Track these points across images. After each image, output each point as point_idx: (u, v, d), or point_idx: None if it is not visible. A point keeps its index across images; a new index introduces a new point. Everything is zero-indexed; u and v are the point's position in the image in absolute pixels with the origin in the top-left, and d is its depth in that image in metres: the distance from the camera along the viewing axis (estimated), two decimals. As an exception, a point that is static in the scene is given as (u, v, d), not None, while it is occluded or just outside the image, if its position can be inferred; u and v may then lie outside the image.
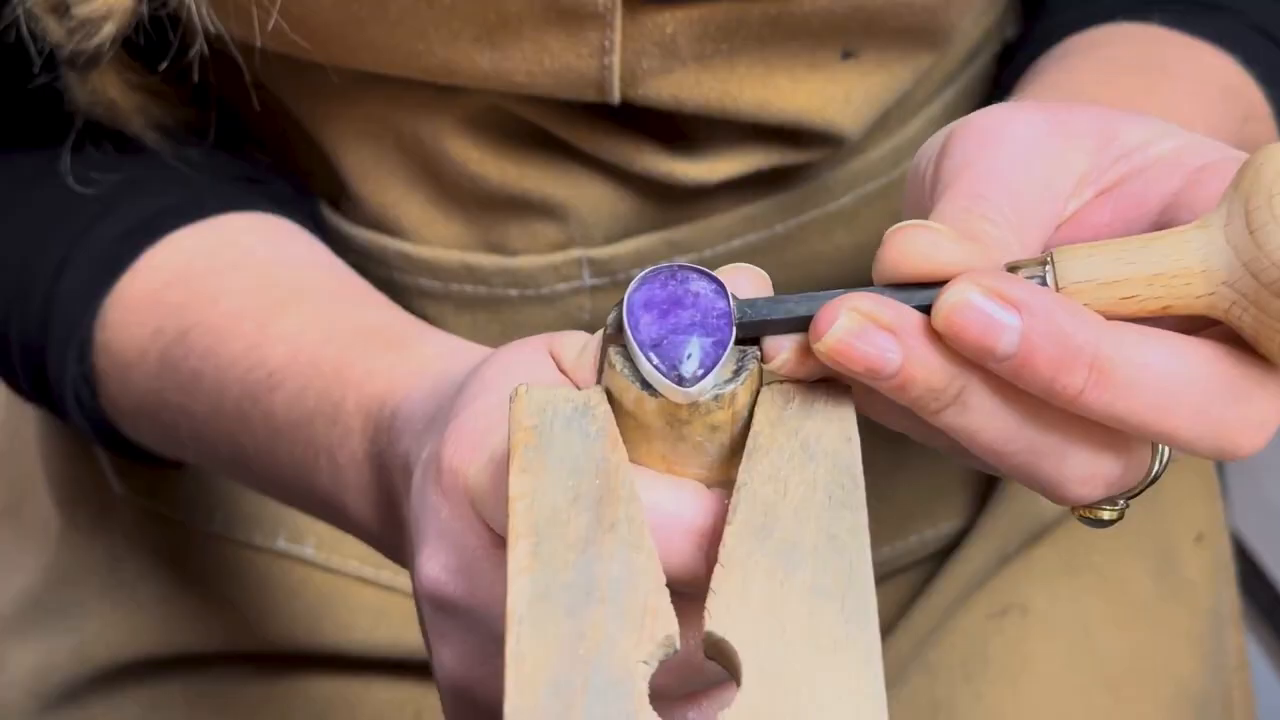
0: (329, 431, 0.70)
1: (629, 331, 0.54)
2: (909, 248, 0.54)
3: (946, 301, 0.52)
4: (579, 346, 0.60)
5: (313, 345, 0.71)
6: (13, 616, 0.93)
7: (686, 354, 0.54)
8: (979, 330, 0.52)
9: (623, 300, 0.55)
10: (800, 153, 0.82)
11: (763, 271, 0.57)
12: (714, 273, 0.56)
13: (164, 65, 0.75)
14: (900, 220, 0.86)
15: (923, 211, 0.59)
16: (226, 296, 0.75)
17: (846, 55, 0.79)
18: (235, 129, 0.85)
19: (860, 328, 0.53)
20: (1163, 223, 0.58)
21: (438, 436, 0.59)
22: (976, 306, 0.52)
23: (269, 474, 0.74)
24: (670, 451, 0.56)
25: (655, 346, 0.54)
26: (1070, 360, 0.52)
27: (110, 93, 0.77)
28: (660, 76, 0.77)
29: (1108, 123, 0.60)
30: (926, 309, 0.53)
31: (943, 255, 0.54)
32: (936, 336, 0.53)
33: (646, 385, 0.54)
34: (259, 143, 0.86)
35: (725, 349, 0.55)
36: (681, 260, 0.83)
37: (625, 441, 0.55)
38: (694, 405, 0.54)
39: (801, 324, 0.54)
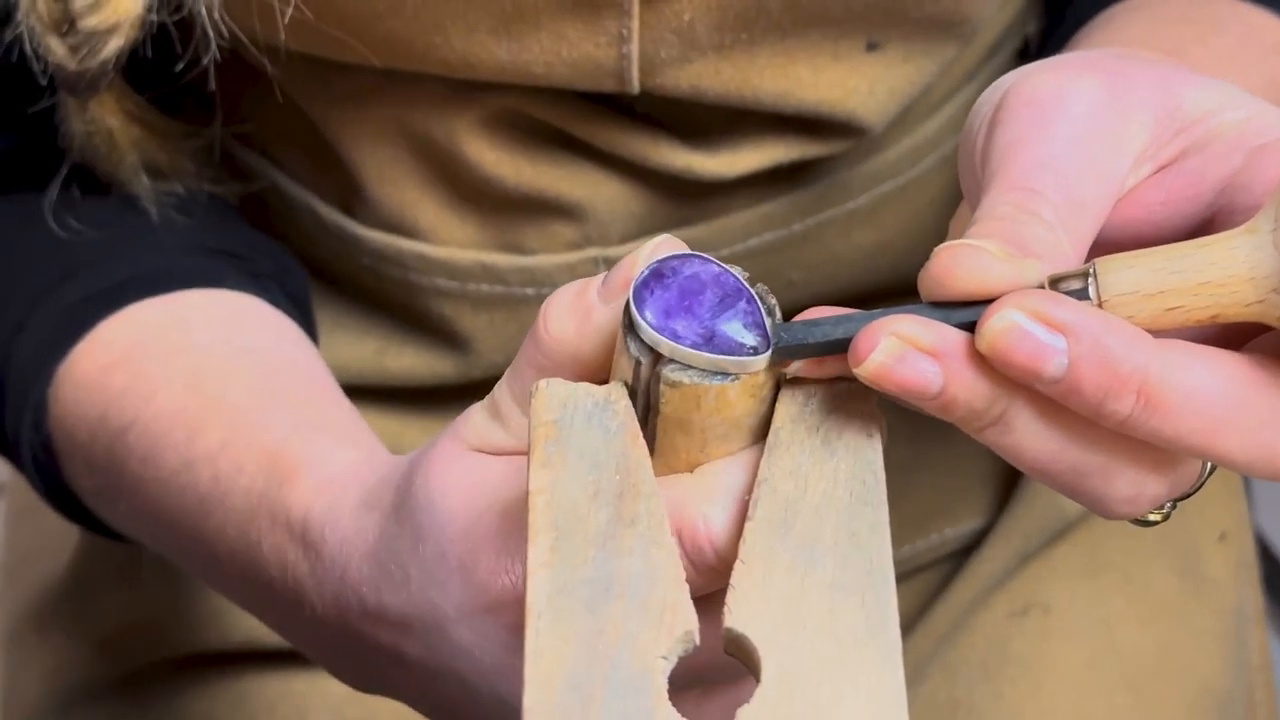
0: (256, 573, 0.69)
1: (676, 343, 0.54)
2: (956, 267, 0.53)
3: (992, 327, 0.52)
4: (485, 417, 0.60)
5: (229, 472, 0.70)
6: (34, 614, 0.93)
7: (739, 326, 0.54)
8: (1026, 356, 0.52)
9: (635, 328, 0.54)
10: (821, 145, 0.81)
11: (672, 236, 0.57)
12: (657, 254, 0.56)
13: (179, 67, 0.74)
14: (921, 215, 0.86)
15: (974, 178, 0.58)
16: (160, 392, 0.73)
17: (872, 47, 0.78)
18: (242, 129, 0.84)
19: (901, 352, 0.52)
20: (1219, 204, 0.57)
21: (457, 589, 0.59)
22: (1023, 331, 0.51)
23: (222, 592, 0.74)
24: (759, 424, 0.56)
25: (710, 340, 0.54)
26: (1119, 386, 0.52)
27: (109, 122, 0.76)
28: (680, 66, 0.77)
29: (1170, 90, 0.58)
30: (968, 326, 0.53)
31: (991, 275, 0.53)
32: (979, 358, 0.52)
33: (723, 376, 0.54)
34: (259, 144, 0.85)
35: (756, 300, 0.55)
36: None
37: (707, 445, 0.55)
38: (770, 365, 0.54)
39: (839, 346, 0.54)
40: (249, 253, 0.81)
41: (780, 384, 0.56)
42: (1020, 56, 0.89)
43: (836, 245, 0.85)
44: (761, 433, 0.56)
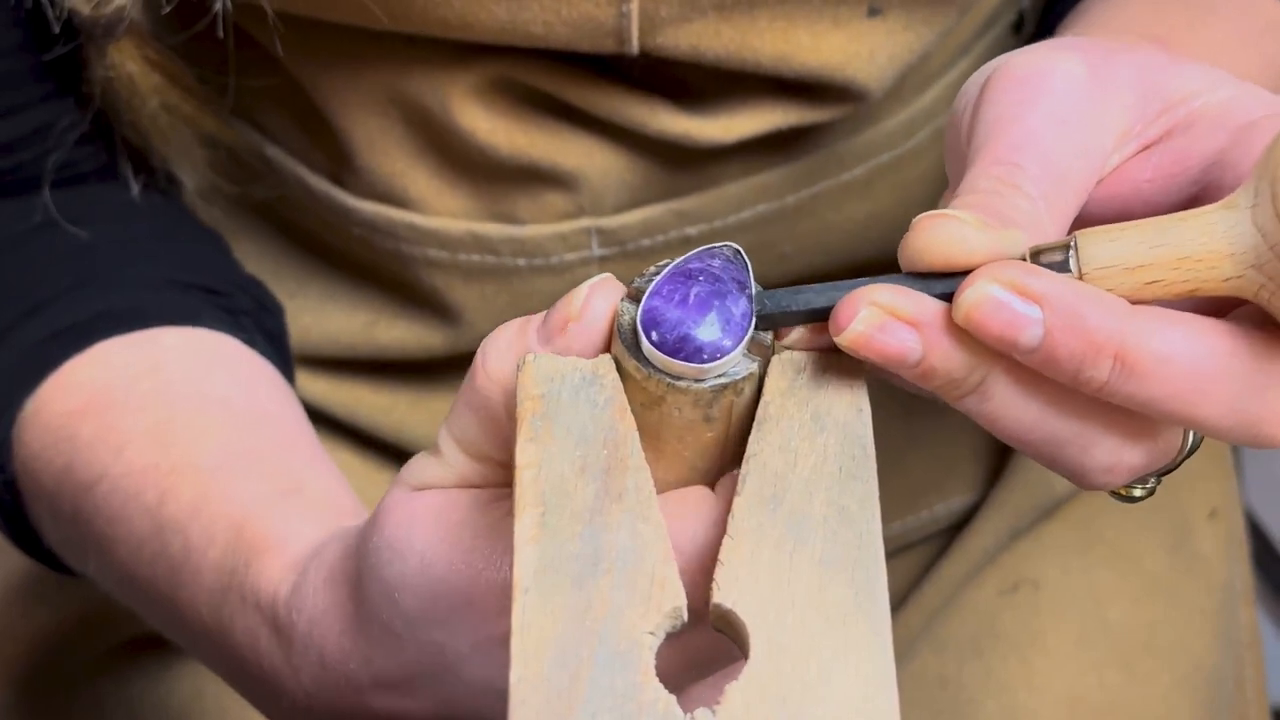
0: (231, 654, 0.69)
1: (712, 344, 0.54)
2: (934, 238, 0.53)
3: (967, 298, 0.52)
4: (424, 456, 0.60)
5: (200, 545, 0.69)
6: (20, 587, 0.93)
7: (737, 306, 0.54)
8: (1001, 326, 0.52)
9: (654, 353, 0.54)
10: (819, 111, 0.81)
11: (611, 276, 0.56)
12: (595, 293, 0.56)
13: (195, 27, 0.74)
14: (913, 188, 0.86)
15: (960, 161, 0.59)
16: (129, 446, 0.72)
17: (873, 13, 0.78)
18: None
19: (880, 321, 0.53)
20: (1205, 181, 0.57)
21: (465, 620, 0.59)
22: (998, 301, 0.52)
23: (202, 662, 0.73)
24: (720, 439, 0.56)
25: (726, 326, 0.54)
26: (1094, 353, 0.52)
27: (129, 67, 0.76)
28: (679, 25, 0.76)
29: (1151, 73, 0.59)
30: (947, 296, 0.53)
31: (969, 246, 0.53)
32: (957, 328, 0.53)
33: (750, 359, 0.54)
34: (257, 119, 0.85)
35: (745, 266, 0.55)
36: (689, 229, 0.83)
37: (659, 441, 0.55)
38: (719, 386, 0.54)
39: (820, 315, 0.54)
40: (226, 288, 0.80)
41: (760, 391, 0.55)
42: (1015, 30, 0.89)
43: (830, 217, 0.85)
44: (725, 451, 0.56)
